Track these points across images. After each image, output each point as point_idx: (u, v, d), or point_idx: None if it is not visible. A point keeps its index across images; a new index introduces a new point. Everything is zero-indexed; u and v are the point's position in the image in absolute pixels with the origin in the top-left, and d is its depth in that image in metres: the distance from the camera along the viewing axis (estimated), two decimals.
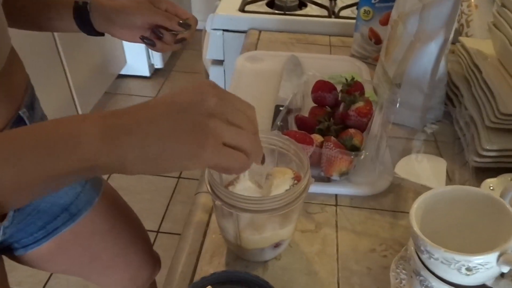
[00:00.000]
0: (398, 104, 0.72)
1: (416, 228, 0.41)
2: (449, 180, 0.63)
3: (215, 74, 1.24)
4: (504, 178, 0.63)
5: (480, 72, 0.73)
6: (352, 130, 0.66)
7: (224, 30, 1.15)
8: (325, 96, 0.73)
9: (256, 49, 1.04)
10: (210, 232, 0.58)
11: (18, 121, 0.57)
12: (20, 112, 0.57)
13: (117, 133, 0.31)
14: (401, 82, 0.75)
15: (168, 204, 1.85)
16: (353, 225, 0.60)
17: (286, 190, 0.49)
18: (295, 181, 0.50)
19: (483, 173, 0.65)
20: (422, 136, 0.77)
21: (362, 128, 0.69)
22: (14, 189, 0.31)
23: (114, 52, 2.37)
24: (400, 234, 0.59)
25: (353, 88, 0.72)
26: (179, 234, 0.55)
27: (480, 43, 0.82)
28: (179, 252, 0.56)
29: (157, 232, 1.76)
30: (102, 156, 0.31)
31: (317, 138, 0.65)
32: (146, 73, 2.59)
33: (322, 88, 0.73)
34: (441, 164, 0.64)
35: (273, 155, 0.55)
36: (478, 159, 0.65)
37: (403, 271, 0.51)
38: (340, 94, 0.74)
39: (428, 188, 0.60)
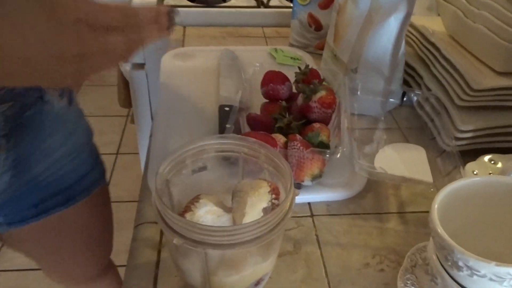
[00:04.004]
0: (359, 91, 0.64)
1: (448, 239, 0.31)
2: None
3: (136, 80, 1.08)
4: (484, 159, 0.57)
5: (437, 49, 0.67)
6: (317, 125, 0.56)
7: None
8: (278, 88, 0.62)
9: (183, 46, 0.91)
10: (163, 276, 0.44)
11: None
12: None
13: None
14: (357, 67, 0.67)
15: None
16: (337, 237, 0.50)
17: (264, 209, 0.37)
18: (273, 196, 0.38)
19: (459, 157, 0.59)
20: (384, 125, 0.69)
21: (327, 121, 0.59)
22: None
23: None
24: (392, 239, 0.50)
25: (310, 76, 0.62)
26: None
27: (425, 21, 0.77)
28: None
29: None
30: None
31: (279, 138, 0.54)
32: None
33: (273, 79, 0.62)
34: (420, 153, 0.57)
35: (237, 165, 0.43)
36: (453, 143, 0.58)
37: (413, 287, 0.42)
38: (294, 85, 0.63)
39: (418, 181, 0.52)
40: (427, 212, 0.55)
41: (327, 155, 0.50)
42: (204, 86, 0.75)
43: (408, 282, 0.42)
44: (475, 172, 0.55)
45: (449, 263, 0.32)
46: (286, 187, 0.38)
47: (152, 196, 0.36)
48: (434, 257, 0.35)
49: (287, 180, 0.38)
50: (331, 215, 0.53)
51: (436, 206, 0.34)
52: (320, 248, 0.49)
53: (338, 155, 0.49)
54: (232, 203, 0.40)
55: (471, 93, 0.58)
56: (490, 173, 0.55)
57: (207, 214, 0.38)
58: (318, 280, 0.45)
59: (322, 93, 0.57)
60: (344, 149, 0.49)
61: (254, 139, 0.41)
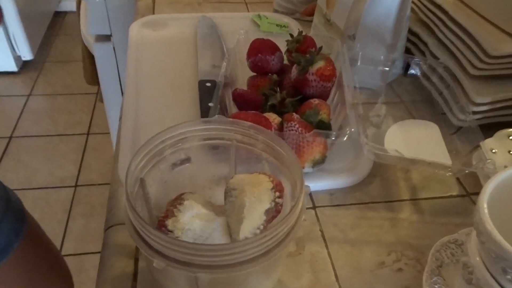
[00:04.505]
0: (359, 61, 0.56)
1: (504, 242, 0.24)
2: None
3: (102, 54, 0.97)
4: (503, 136, 0.51)
5: (444, 12, 0.60)
6: (315, 101, 0.48)
7: None
8: (267, 59, 0.53)
9: (153, 13, 0.80)
10: None
11: None
12: None
13: None
14: (355, 33, 0.59)
15: (67, 220, 1.52)
16: (344, 232, 0.43)
17: (267, 211, 0.30)
18: (277, 194, 0.31)
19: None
20: (385, 99, 0.62)
21: (325, 96, 0.51)
22: None
23: None
24: (407, 232, 0.44)
25: (304, 45, 0.53)
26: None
27: None
28: None
29: None
30: None
31: (273, 118, 0.46)
32: (13, 67, 2.14)
33: (261, 49, 0.53)
34: (433, 131, 0.50)
35: (228, 155, 0.34)
36: (470, 117, 0.52)
37: None
38: (286, 55, 0.55)
39: (439, 165, 0.45)
40: (443, 198, 0.49)
41: (333, 138, 0.42)
42: (180, 58, 0.65)
43: (436, 286, 0.35)
44: (494, 151, 0.49)
45: (509, 277, 0.25)
46: (293, 182, 0.30)
47: (123, 202, 0.28)
48: (479, 260, 0.28)
49: (294, 174, 0.30)
50: (335, 205, 0.46)
51: (485, 204, 0.27)
52: (326, 246, 0.42)
53: (345, 138, 0.42)
54: (225, 203, 0.32)
55: (488, 60, 0.51)
56: (510, 151, 0.49)
57: (195, 219, 0.30)
58: (327, 286, 0.38)
59: (320, 64, 0.49)
60: (352, 130, 0.42)
61: (249, 123, 0.33)
